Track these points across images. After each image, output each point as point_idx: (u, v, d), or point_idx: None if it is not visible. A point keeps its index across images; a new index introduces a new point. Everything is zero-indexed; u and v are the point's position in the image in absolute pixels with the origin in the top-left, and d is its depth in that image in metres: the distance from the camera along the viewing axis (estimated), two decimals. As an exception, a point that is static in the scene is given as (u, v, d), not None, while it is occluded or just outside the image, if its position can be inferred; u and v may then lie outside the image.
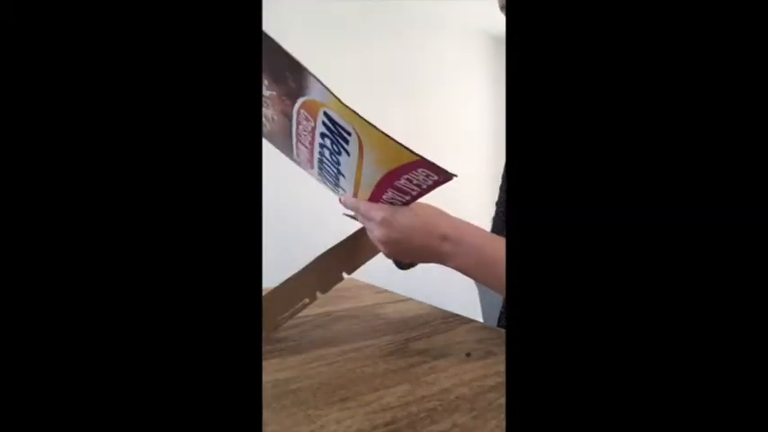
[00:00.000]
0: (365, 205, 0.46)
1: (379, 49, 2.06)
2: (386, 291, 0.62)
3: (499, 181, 0.70)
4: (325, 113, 0.35)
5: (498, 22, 2.37)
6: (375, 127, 0.35)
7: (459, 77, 2.37)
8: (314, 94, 0.33)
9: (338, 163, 0.41)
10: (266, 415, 0.25)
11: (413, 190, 0.41)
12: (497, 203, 0.70)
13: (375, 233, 0.44)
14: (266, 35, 0.31)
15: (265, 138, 0.46)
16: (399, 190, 0.41)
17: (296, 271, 0.45)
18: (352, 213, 0.48)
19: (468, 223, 0.46)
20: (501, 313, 0.62)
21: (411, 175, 0.39)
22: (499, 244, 0.43)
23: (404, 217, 0.44)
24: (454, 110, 2.34)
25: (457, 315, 0.48)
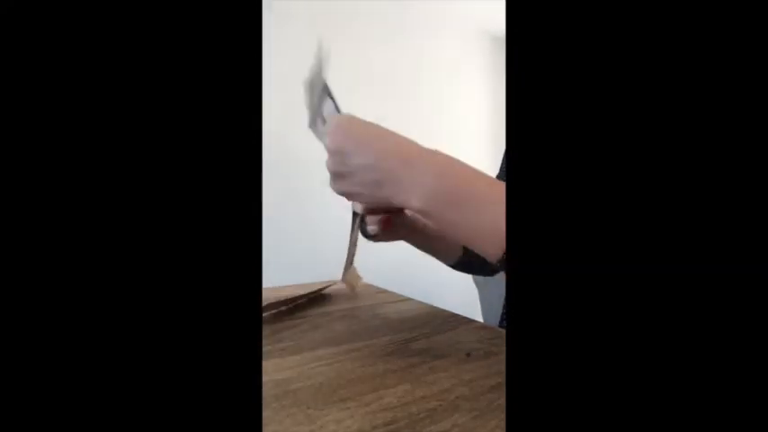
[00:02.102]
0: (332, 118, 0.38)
1: (379, 48, 2.06)
2: (386, 291, 0.62)
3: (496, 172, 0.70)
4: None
5: (498, 22, 2.37)
6: None
7: (460, 77, 2.38)
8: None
9: None
10: (266, 415, 0.25)
11: None
12: (497, 176, 0.69)
13: (326, 140, 0.36)
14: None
15: None
16: None
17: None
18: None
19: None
20: (502, 314, 0.62)
21: None
22: (495, 186, 0.31)
23: (357, 122, 0.36)
24: (454, 110, 2.34)
25: (457, 315, 0.48)
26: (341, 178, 0.37)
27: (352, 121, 0.37)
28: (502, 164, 0.67)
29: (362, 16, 2.01)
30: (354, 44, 1.99)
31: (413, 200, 0.33)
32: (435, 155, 0.34)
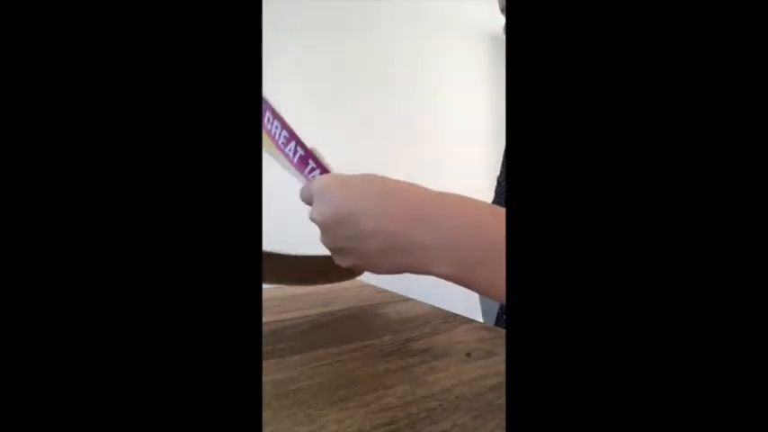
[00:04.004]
0: (308, 183, 0.33)
1: (380, 48, 2.06)
2: (386, 291, 0.62)
3: (497, 172, 0.69)
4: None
5: (498, 22, 2.37)
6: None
7: (460, 77, 2.38)
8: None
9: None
10: (266, 415, 0.25)
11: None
12: (498, 178, 0.68)
13: (312, 213, 0.31)
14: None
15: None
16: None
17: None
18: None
19: (457, 195, 0.28)
20: (499, 313, 0.62)
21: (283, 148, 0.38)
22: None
23: (342, 183, 0.29)
24: (454, 110, 2.34)
25: (457, 315, 0.48)
26: (340, 253, 0.30)
27: (336, 182, 0.30)
28: (503, 166, 0.67)
29: (362, 16, 2.01)
30: (354, 44, 1.98)
31: (437, 266, 0.27)
32: (445, 203, 0.28)
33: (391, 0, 2.08)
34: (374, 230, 0.28)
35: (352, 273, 0.52)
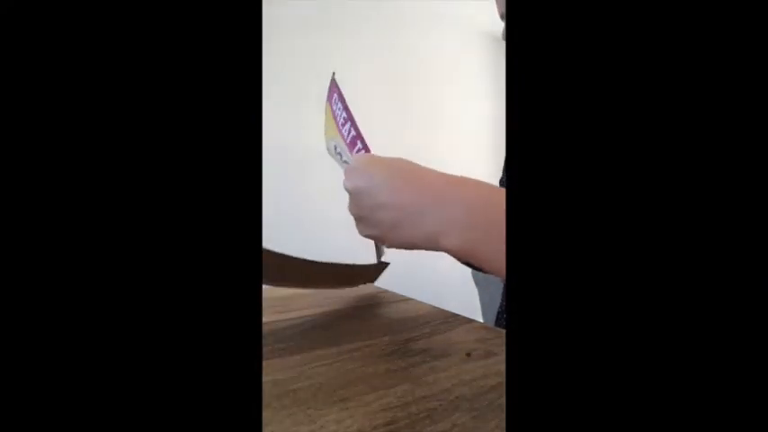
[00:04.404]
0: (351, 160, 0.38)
1: (380, 48, 2.06)
2: (386, 291, 0.62)
3: (500, 174, 0.69)
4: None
5: (499, 22, 2.37)
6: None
7: (460, 77, 2.38)
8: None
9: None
10: (266, 415, 0.25)
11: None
12: (501, 181, 0.69)
13: (345, 182, 0.35)
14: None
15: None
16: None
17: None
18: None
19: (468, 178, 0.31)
20: (499, 312, 0.62)
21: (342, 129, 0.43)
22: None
23: (374, 160, 0.33)
24: (455, 110, 2.34)
25: (457, 315, 0.48)
26: (360, 222, 0.34)
27: (370, 159, 0.34)
28: (504, 169, 0.67)
29: (363, 16, 2.01)
30: (355, 44, 1.98)
31: (444, 240, 0.28)
32: (463, 184, 0.30)
33: (391, 0, 2.08)
34: (387, 202, 0.30)
35: (357, 280, 0.54)
